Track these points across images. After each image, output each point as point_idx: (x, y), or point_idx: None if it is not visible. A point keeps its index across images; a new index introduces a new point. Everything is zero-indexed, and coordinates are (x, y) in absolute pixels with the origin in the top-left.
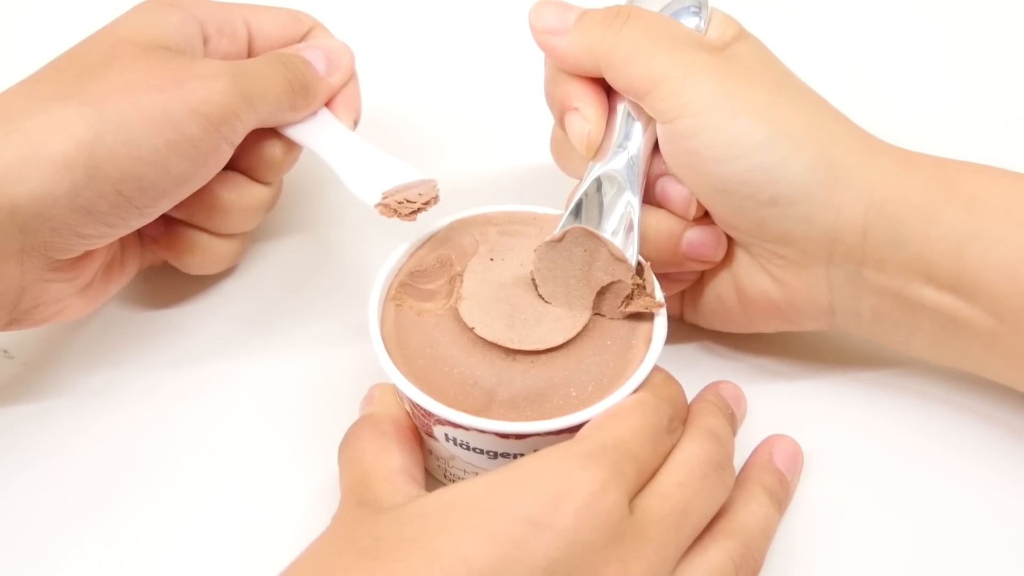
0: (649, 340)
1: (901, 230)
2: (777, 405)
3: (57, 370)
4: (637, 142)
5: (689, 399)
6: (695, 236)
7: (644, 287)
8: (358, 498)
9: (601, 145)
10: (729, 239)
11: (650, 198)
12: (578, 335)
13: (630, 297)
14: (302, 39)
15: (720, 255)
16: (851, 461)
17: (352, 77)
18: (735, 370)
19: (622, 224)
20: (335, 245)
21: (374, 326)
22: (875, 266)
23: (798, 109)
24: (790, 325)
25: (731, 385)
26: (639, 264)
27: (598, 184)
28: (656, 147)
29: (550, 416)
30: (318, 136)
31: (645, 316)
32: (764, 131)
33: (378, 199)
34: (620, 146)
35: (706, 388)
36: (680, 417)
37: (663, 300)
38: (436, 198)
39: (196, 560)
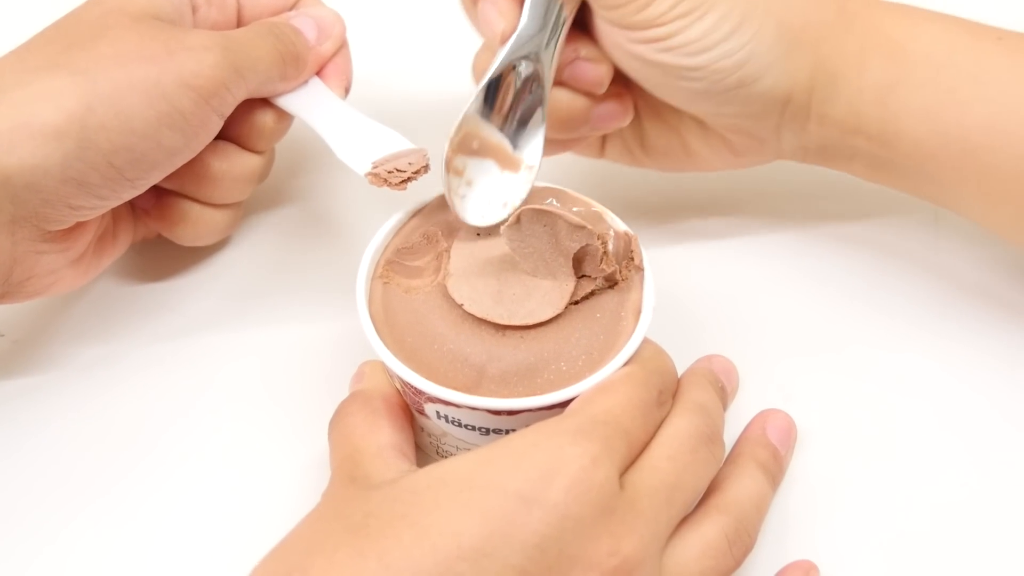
0: (638, 313)
1: (837, 83)
2: (771, 379)
3: (48, 345)
4: (557, 30)
5: (680, 373)
6: (604, 110)
7: (632, 258)
8: (348, 474)
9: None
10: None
11: (557, 79)
12: (567, 309)
13: (605, 254)
14: (292, 7)
15: (628, 119)
16: (845, 435)
17: (343, 45)
18: (727, 344)
19: (533, 109)
20: (327, 216)
21: (362, 306)
22: (818, 121)
23: None
24: (735, 167)
25: (722, 359)
26: (627, 235)
27: (513, 67)
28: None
29: (541, 391)
30: (308, 105)
31: (634, 288)
32: (730, 22)
33: (368, 168)
34: (540, 28)
35: (697, 361)
36: (670, 390)
37: (643, 265)
38: (427, 167)
39: (189, 536)
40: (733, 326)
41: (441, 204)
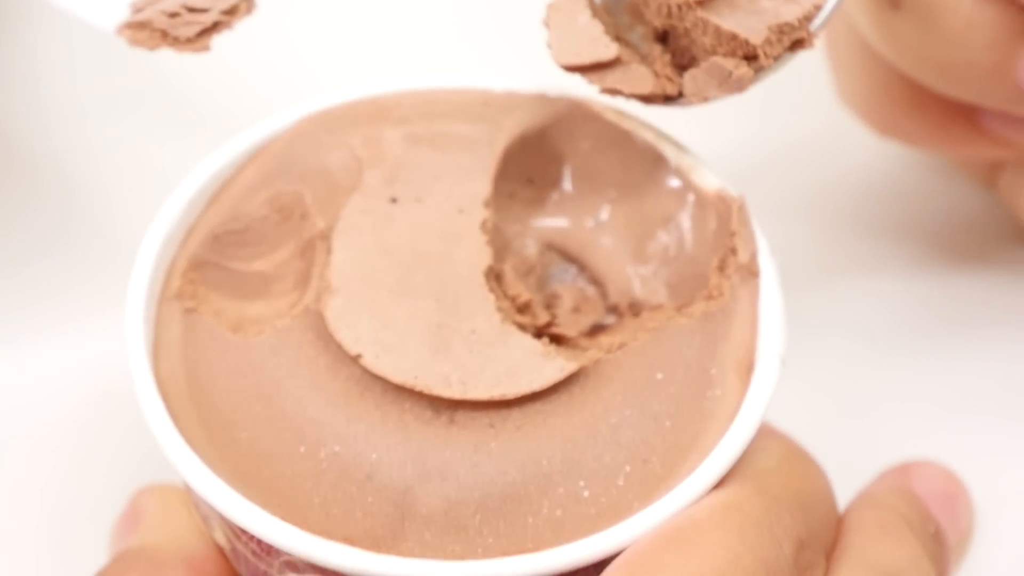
0: (750, 368)
1: None
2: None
3: None
4: None
5: (843, 497)
6: None
7: (735, 251)
8: None
9: None
10: None
11: None
12: (596, 362)
13: (752, 57)
14: None
15: None
16: None
17: None
18: (930, 418)
19: None
20: (54, 165)
21: (138, 362)
22: None
23: None
24: None
25: (938, 469)
26: (724, 198)
27: None
28: None
29: (533, 544)
30: None
31: (738, 315)
32: None
33: (124, 16)
34: None
35: (884, 476)
36: (822, 539)
37: (760, 266)
38: (251, 4)
39: None
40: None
41: (307, 136)
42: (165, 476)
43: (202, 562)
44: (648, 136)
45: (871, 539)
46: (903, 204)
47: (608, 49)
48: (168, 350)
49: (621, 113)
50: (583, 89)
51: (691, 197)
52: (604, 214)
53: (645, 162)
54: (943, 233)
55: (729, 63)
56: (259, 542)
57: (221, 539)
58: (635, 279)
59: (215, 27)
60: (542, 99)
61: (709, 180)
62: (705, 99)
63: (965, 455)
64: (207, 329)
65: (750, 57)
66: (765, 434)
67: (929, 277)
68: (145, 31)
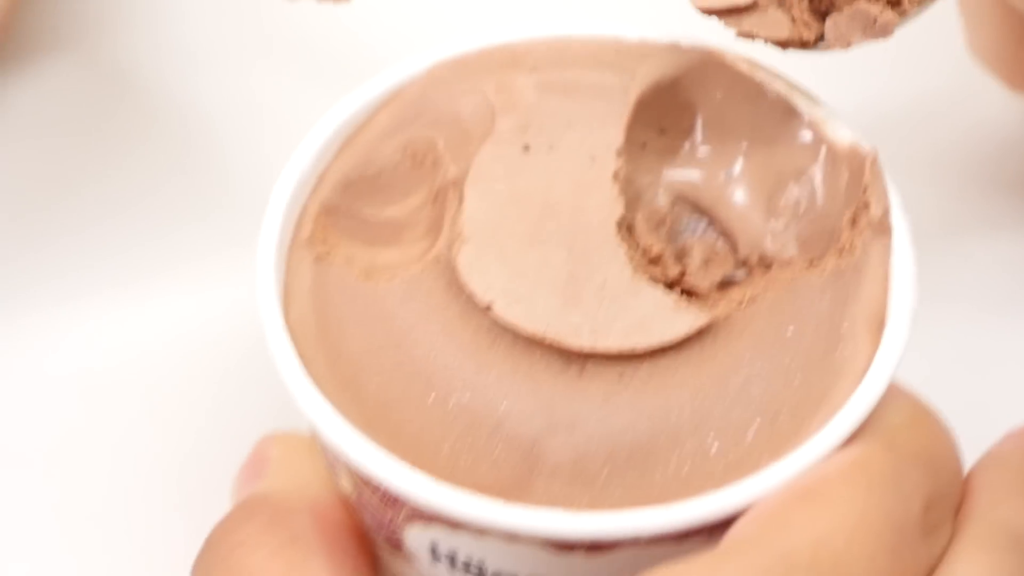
0: (881, 324)
1: None
2: None
3: None
4: None
5: (968, 458)
6: None
7: (868, 206)
8: None
9: None
10: None
11: None
12: (726, 316)
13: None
14: None
15: None
16: None
17: None
18: None
19: None
20: (190, 108)
21: (269, 309)
22: None
23: None
24: None
25: None
26: (857, 152)
27: None
28: None
29: (661, 497)
30: None
31: (869, 270)
32: None
33: None
34: None
35: (1009, 436)
36: (950, 500)
37: (893, 222)
38: None
39: None
40: None
41: (439, 82)
42: (291, 423)
43: (327, 510)
44: (780, 87)
45: (998, 500)
46: None
47: None
48: (299, 296)
49: (754, 64)
50: (716, 39)
51: (823, 150)
52: (736, 167)
53: (777, 114)
54: None
55: (874, 8)
56: (385, 491)
57: (347, 487)
58: (766, 233)
59: None
60: (675, 48)
61: (842, 133)
62: (848, 44)
63: None
64: (338, 276)
65: (893, 3)
66: (894, 392)
67: None
68: None
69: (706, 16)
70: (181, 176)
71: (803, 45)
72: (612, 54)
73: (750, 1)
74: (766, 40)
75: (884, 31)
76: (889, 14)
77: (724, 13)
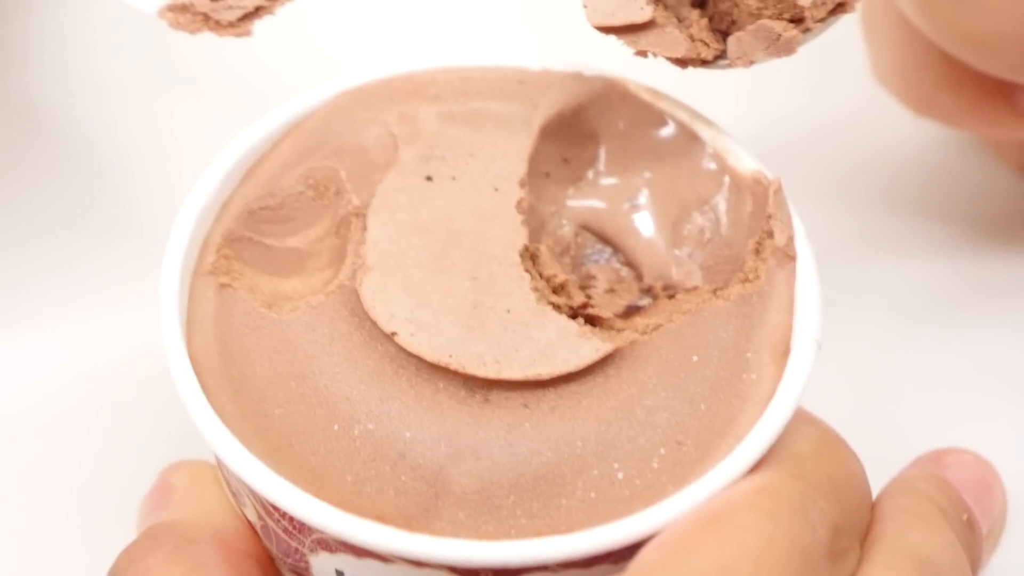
0: (786, 351)
1: None
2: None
3: None
4: None
5: (876, 483)
6: None
7: (772, 234)
8: None
9: None
10: None
11: None
12: (631, 344)
13: (802, 21)
14: None
15: None
16: None
17: None
18: (963, 403)
19: None
20: (95, 138)
21: (172, 337)
22: None
23: None
24: None
25: (971, 457)
26: (759, 181)
27: None
28: None
29: (567, 525)
30: None
31: (774, 297)
32: None
33: None
34: None
35: (917, 462)
36: (857, 525)
37: (796, 249)
38: None
39: None
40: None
41: (343, 111)
42: (195, 453)
43: (232, 538)
44: (683, 117)
45: (905, 526)
46: (937, 184)
47: (643, 11)
48: (202, 325)
49: (656, 93)
50: (619, 68)
51: (727, 179)
52: (639, 196)
53: (680, 143)
54: (977, 214)
55: (777, 25)
56: (291, 519)
57: (252, 516)
58: (671, 262)
59: (257, 12)
60: (577, 77)
61: (745, 162)
62: (751, 62)
63: (999, 441)
64: (241, 305)
65: (795, 20)
66: (800, 418)
67: (962, 258)
68: (187, 14)
69: (604, 34)
70: (90, 209)
71: (702, 63)
72: (515, 84)
73: (647, 19)
74: (664, 58)
75: (787, 48)
76: (792, 31)
77: (622, 31)
